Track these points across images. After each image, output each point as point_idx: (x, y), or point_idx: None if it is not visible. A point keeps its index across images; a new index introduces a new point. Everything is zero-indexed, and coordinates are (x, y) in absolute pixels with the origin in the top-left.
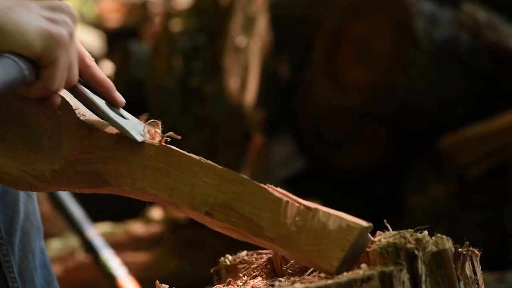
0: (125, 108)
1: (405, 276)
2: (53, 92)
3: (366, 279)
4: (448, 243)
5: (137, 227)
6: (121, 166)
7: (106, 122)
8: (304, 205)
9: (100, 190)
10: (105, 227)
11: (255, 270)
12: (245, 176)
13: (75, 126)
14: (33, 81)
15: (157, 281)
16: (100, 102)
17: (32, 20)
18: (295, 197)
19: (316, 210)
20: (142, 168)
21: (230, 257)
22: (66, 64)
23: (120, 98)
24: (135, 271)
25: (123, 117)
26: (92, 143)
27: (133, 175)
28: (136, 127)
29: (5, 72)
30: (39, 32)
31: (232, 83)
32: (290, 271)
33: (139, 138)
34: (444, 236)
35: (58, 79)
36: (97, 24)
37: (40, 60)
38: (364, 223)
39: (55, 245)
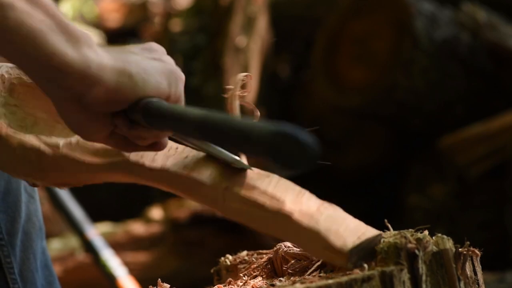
0: None
1: (405, 276)
2: None
3: (367, 279)
4: (448, 243)
5: (137, 227)
6: None
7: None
8: (326, 202)
9: (111, 171)
10: (105, 227)
11: (256, 270)
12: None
13: None
14: None
15: (159, 279)
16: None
17: (146, 62)
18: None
19: (337, 207)
20: (166, 153)
21: (230, 257)
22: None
23: None
24: (135, 271)
25: None
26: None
27: (154, 155)
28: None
29: None
30: (159, 71)
31: (232, 83)
32: (290, 271)
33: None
34: (444, 236)
35: None
36: (97, 24)
37: (169, 98)
38: (379, 232)
39: (55, 245)
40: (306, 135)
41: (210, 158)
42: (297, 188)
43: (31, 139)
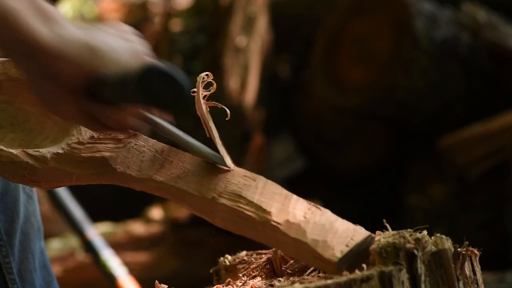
0: None
1: (404, 276)
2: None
3: (366, 279)
4: (447, 243)
5: (137, 227)
6: (129, 155)
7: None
8: (314, 205)
9: (100, 179)
10: (105, 227)
11: (255, 270)
12: (259, 175)
13: None
14: None
15: (156, 281)
16: (170, 126)
17: (116, 41)
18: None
19: (325, 210)
20: (152, 159)
21: (229, 257)
22: None
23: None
24: (135, 271)
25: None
26: (105, 135)
27: (141, 164)
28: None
29: None
30: (123, 48)
31: (232, 83)
32: (289, 271)
33: (229, 164)
34: (443, 236)
35: None
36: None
37: None
38: (369, 232)
39: (55, 245)
40: (174, 69)
41: (196, 162)
42: (284, 192)
43: (19, 155)
